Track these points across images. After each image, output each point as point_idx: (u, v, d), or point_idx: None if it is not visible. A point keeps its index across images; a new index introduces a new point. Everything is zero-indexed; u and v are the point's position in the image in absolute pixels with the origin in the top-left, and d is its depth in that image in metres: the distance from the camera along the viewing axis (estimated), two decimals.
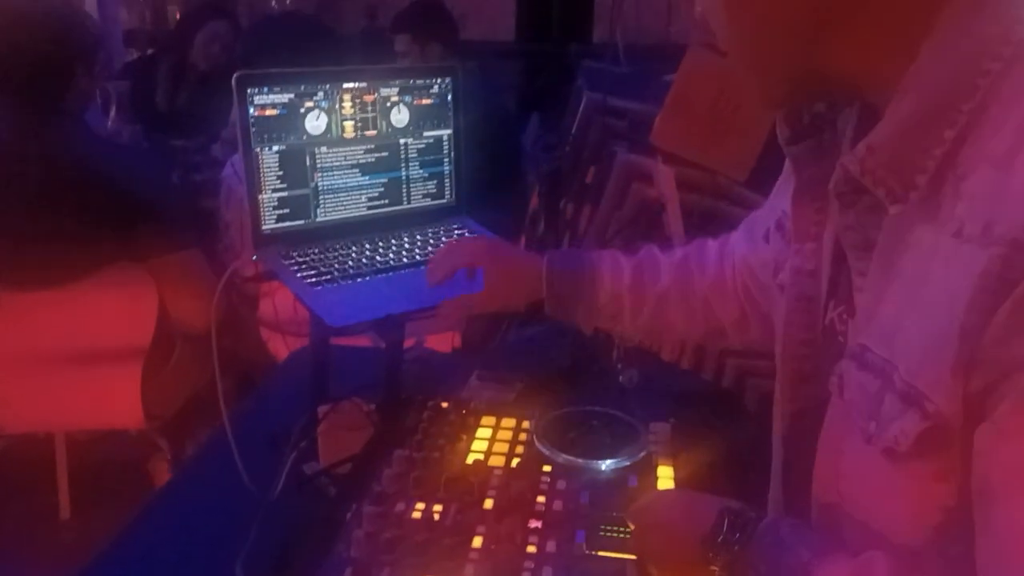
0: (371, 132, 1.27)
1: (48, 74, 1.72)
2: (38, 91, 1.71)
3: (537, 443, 0.96)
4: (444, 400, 1.06)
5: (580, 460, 0.93)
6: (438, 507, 0.84)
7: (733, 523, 0.69)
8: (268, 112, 1.17)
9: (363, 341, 1.32)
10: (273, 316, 1.93)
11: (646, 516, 0.79)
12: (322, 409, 1.13)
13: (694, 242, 1.12)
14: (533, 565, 0.77)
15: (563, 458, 0.93)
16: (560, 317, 1.08)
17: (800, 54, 0.66)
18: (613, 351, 1.33)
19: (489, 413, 1.04)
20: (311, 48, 1.99)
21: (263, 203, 1.20)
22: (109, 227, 1.73)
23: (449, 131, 1.34)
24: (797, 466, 0.77)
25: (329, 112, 1.22)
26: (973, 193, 0.57)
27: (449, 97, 1.33)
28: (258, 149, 1.18)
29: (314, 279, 1.16)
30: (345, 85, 1.23)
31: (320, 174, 1.24)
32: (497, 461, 0.94)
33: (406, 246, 1.27)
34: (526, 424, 1.01)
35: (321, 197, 1.25)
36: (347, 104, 1.24)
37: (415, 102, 1.30)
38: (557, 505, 0.85)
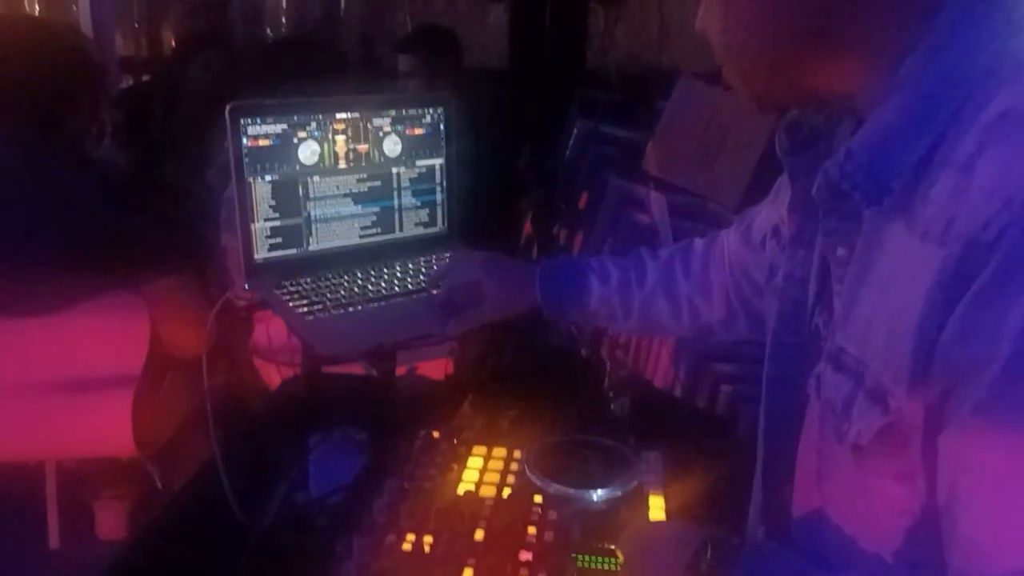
0: (364, 162, 1.28)
1: (49, 100, 1.72)
2: (38, 117, 1.72)
3: (528, 473, 0.96)
4: (435, 430, 1.06)
5: (571, 490, 0.92)
6: (429, 538, 0.84)
7: (716, 550, 0.69)
8: (261, 142, 1.18)
9: (356, 368, 1.32)
10: (266, 344, 1.93)
11: (635, 546, 0.80)
12: (313, 438, 1.13)
13: (681, 242, 1.17)
14: None
15: (554, 488, 0.93)
16: (558, 320, 1.21)
17: (790, 66, 0.69)
18: (605, 379, 1.33)
19: (480, 443, 1.04)
20: (316, 67, 1.99)
21: (256, 232, 1.21)
22: (101, 253, 1.72)
23: (441, 160, 1.35)
24: (777, 467, 0.79)
25: (322, 142, 1.23)
26: (939, 196, 0.59)
27: (441, 126, 1.34)
28: (251, 179, 1.19)
29: (306, 308, 1.16)
30: (338, 115, 1.24)
31: (313, 203, 1.25)
32: (488, 491, 0.94)
33: (398, 275, 1.28)
34: (517, 453, 1.01)
35: (314, 226, 1.25)
36: (340, 134, 1.25)
37: (407, 131, 1.31)
38: (548, 536, 0.85)
